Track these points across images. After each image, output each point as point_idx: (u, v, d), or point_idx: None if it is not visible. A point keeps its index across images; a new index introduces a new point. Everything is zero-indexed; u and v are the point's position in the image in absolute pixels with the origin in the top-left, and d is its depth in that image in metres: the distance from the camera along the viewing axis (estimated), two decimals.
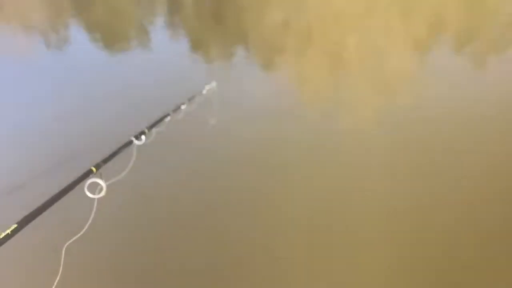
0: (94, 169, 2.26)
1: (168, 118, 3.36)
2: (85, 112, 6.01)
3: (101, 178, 2.26)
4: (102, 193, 2.19)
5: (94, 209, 2.22)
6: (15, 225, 1.66)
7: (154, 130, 3.04)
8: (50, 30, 9.21)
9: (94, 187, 2.23)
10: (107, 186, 2.25)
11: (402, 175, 4.40)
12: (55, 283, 2.04)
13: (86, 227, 2.20)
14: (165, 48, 7.41)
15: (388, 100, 6.00)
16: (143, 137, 2.89)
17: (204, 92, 3.95)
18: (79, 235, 2.16)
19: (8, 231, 1.64)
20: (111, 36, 8.41)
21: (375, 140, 4.95)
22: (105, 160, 2.45)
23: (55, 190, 1.95)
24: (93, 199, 2.19)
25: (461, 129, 5.17)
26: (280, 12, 7.95)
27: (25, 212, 1.72)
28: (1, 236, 1.60)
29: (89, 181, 2.22)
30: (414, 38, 7.11)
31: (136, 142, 2.76)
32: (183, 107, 3.64)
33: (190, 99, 3.72)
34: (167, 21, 8.60)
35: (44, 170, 4.89)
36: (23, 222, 1.66)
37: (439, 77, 6.24)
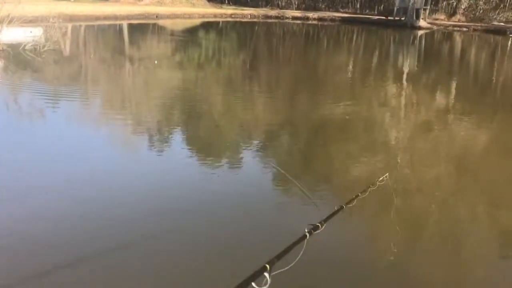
0: (268, 266, 2.30)
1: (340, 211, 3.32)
2: None
3: (269, 272, 2.27)
4: (266, 286, 2.21)
5: None
6: None
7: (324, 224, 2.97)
8: (156, 132, 10.35)
9: (259, 280, 2.22)
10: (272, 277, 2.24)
11: None
12: None
13: None
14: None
15: None
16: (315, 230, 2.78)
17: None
18: None
19: None
20: (205, 151, 9.16)
21: None
22: (279, 256, 2.47)
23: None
24: None
25: None
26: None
27: None
28: None
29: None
30: None
31: (308, 235, 2.75)
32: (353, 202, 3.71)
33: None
34: (262, 146, 9.15)
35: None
36: None
37: None
